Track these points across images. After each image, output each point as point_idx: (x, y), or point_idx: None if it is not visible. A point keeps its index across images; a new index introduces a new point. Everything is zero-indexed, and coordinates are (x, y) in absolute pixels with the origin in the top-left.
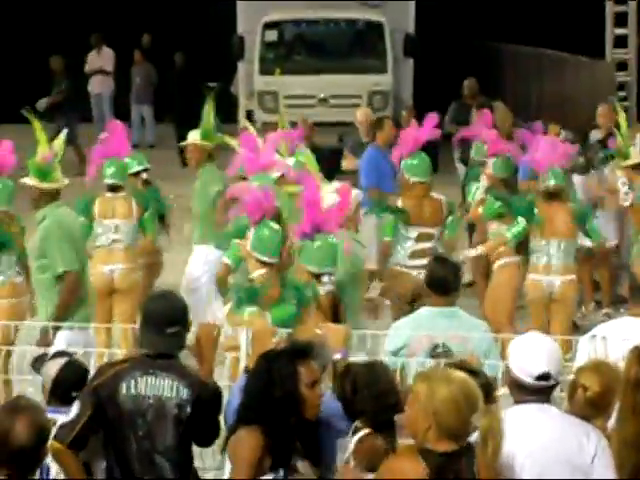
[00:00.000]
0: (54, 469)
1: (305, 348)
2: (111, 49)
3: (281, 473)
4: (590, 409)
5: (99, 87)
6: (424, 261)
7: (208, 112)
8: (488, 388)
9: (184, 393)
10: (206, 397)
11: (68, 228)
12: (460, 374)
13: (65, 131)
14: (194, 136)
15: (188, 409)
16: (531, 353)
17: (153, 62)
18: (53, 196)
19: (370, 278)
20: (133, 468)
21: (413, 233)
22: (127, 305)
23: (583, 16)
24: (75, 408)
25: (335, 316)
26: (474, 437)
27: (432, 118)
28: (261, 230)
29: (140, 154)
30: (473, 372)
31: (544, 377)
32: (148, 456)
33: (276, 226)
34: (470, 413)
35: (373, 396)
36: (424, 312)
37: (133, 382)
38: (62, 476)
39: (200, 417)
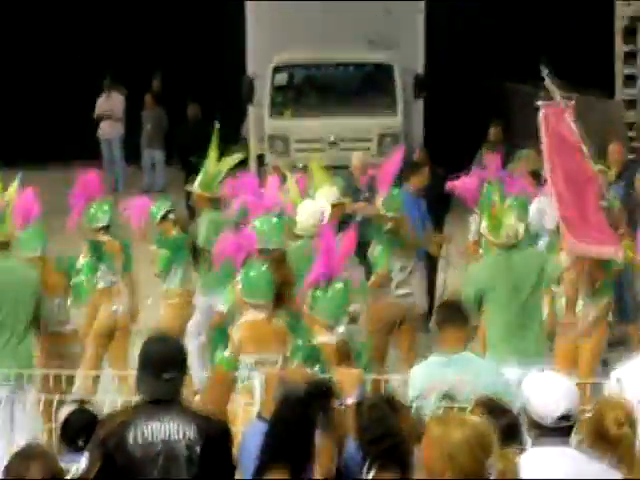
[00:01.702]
0: None
1: (327, 389)
2: (121, 92)
3: None
4: (611, 445)
5: (108, 133)
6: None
7: (210, 160)
8: (514, 427)
9: (191, 433)
10: (214, 434)
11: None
12: (474, 418)
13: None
14: (195, 184)
15: (198, 449)
16: (552, 393)
17: (164, 106)
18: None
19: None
20: None
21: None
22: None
23: (593, 55)
24: (84, 461)
25: (346, 363)
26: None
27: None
28: (247, 273)
29: (162, 199)
30: (500, 411)
31: (565, 417)
32: None
33: (262, 267)
34: (485, 456)
35: (370, 439)
36: (435, 359)
37: (140, 430)
38: None
39: (211, 455)
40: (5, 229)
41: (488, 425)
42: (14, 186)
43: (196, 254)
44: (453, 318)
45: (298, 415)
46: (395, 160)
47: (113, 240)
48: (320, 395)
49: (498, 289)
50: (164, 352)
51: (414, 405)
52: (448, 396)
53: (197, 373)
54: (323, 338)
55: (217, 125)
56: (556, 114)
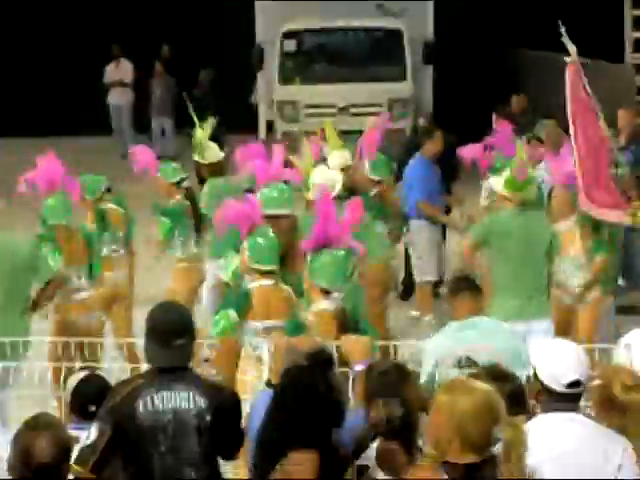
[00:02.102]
0: None
1: (329, 357)
2: (130, 61)
3: None
4: (619, 412)
5: (118, 99)
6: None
7: (197, 129)
8: (519, 394)
9: (201, 402)
10: (224, 403)
11: None
12: (482, 385)
13: None
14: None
15: (208, 417)
16: (562, 360)
17: (172, 73)
18: None
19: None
20: None
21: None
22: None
23: (602, 20)
24: (93, 430)
25: (343, 332)
26: (497, 449)
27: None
28: (254, 240)
29: (170, 165)
30: (503, 377)
31: (574, 384)
32: (174, 470)
33: (269, 233)
34: (492, 425)
35: (380, 405)
36: (450, 327)
37: (149, 399)
38: None
39: (221, 424)
40: None
41: (496, 392)
42: None
43: (199, 221)
44: (467, 287)
45: (302, 387)
46: (379, 126)
47: (116, 208)
48: (322, 366)
49: (512, 239)
50: (172, 320)
51: (430, 374)
52: (465, 361)
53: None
54: (321, 305)
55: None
56: (577, 73)
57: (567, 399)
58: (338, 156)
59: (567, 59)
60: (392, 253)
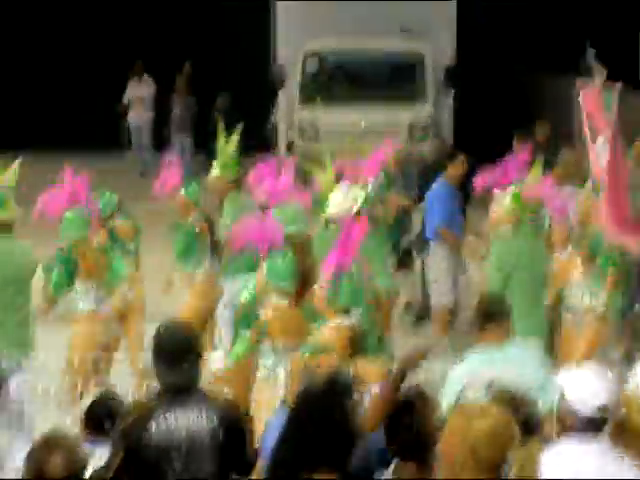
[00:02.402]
0: None
1: (347, 382)
2: (151, 78)
3: None
4: (636, 438)
5: (138, 118)
6: None
7: (223, 143)
8: (531, 421)
9: (213, 420)
10: (236, 420)
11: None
12: (496, 409)
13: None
14: (214, 170)
15: (221, 434)
16: (592, 384)
17: (192, 92)
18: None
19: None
20: None
21: None
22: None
23: (619, 47)
24: (107, 453)
25: (358, 349)
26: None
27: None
28: (273, 260)
29: (192, 183)
30: (519, 404)
31: (603, 409)
32: None
33: (288, 254)
34: (506, 448)
35: (396, 429)
36: (476, 356)
37: (162, 419)
38: None
39: (234, 441)
40: (6, 211)
41: (509, 416)
42: (15, 170)
43: (214, 240)
44: (493, 314)
45: (318, 411)
46: (383, 150)
47: (125, 222)
48: (339, 391)
49: (522, 269)
50: (178, 341)
51: (454, 398)
52: (494, 386)
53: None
54: (338, 319)
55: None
56: (595, 97)
57: (594, 423)
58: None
59: (579, 85)
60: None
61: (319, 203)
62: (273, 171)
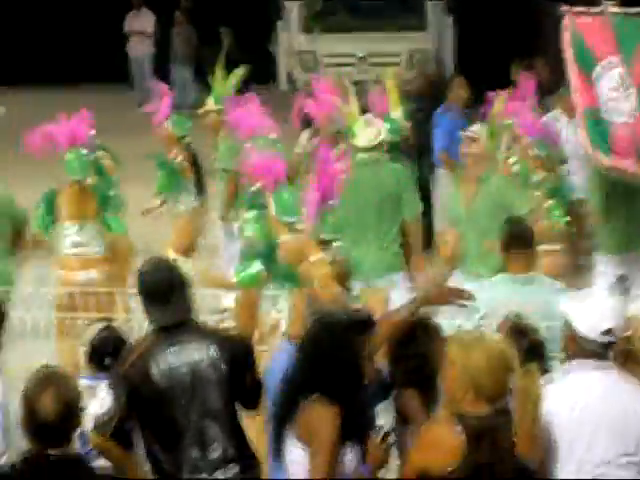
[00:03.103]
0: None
1: (370, 321)
2: (150, 10)
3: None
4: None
5: (138, 50)
6: None
7: (220, 77)
8: (538, 346)
9: (213, 352)
10: (237, 351)
11: None
12: (494, 337)
13: None
14: (209, 101)
15: (223, 366)
16: (599, 309)
17: (193, 23)
18: None
19: None
20: (181, 441)
21: None
22: None
23: None
24: (109, 398)
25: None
26: (511, 400)
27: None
28: (280, 194)
29: (182, 117)
30: (523, 331)
31: (609, 332)
32: (196, 425)
33: (293, 189)
34: (506, 376)
35: (394, 356)
36: (501, 279)
37: (161, 358)
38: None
39: (237, 372)
40: None
41: (508, 344)
42: None
43: (199, 175)
44: (522, 242)
45: (339, 343)
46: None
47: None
48: (363, 327)
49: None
50: (163, 277)
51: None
52: (516, 317)
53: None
54: (319, 255)
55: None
56: (598, 24)
57: (601, 347)
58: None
59: (563, 9)
60: None
61: (346, 135)
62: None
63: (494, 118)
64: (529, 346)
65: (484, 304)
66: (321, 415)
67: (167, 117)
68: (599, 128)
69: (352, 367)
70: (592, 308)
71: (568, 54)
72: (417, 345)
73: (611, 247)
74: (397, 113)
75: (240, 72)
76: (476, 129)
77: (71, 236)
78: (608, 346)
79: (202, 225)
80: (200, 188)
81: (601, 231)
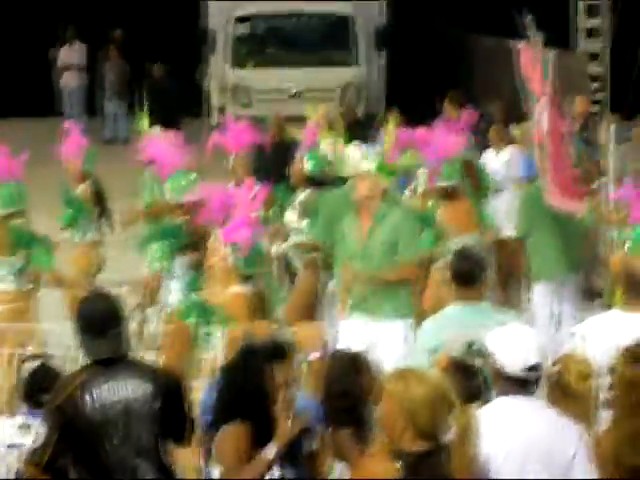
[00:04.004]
0: None
1: (283, 347)
2: (84, 44)
3: (276, 474)
4: (573, 400)
5: (72, 82)
6: None
7: (144, 117)
8: (483, 389)
9: (148, 389)
10: (171, 387)
11: None
12: (433, 373)
13: None
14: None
15: (157, 403)
16: (521, 344)
17: (126, 58)
18: None
19: None
20: (112, 477)
21: None
22: None
23: (550, 8)
24: (42, 430)
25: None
26: (449, 436)
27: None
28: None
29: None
30: (472, 372)
31: (534, 368)
32: (127, 462)
33: None
34: (444, 412)
35: (327, 395)
36: (452, 310)
37: (96, 392)
38: None
39: (170, 408)
40: None
41: (447, 382)
42: None
43: (103, 210)
44: (469, 270)
45: (243, 367)
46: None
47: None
48: (275, 352)
49: None
50: (104, 310)
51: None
52: (476, 346)
53: None
54: (236, 288)
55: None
56: (532, 58)
57: (526, 384)
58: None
59: (521, 44)
60: None
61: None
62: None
63: (384, 153)
64: (476, 387)
65: (439, 335)
66: (226, 435)
67: (75, 153)
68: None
69: (261, 392)
70: (516, 343)
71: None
72: (349, 383)
73: (544, 274)
74: (327, 145)
75: (144, 118)
76: (365, 167)
77: None
78: (533, 381)
79: (101, 258)
80: (106, 221)
81: (533, 260)
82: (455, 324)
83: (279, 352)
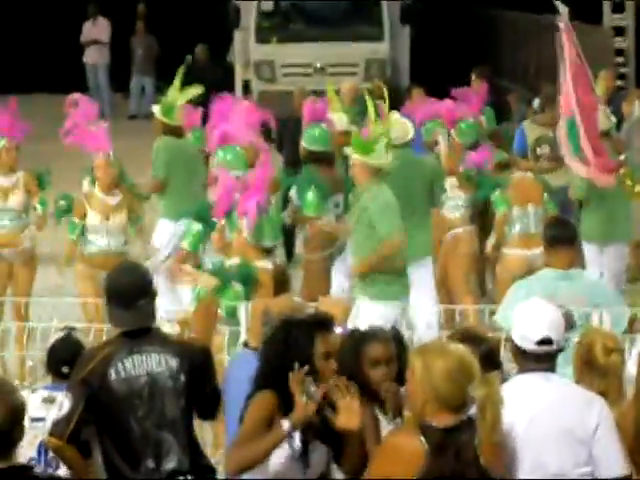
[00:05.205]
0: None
1: (325, 319)
2: (107, 19)
3: (297, 441)
4: (599, 374)
5: (94, 57)
6: None
7: (174, 88)
8: (492, 355)
9: (173, 363)
10: (197, 361)
11: None
12: (455, 346)
13: None
14: (157, 108)
15: (182, 377)
16: (532, 319)
17: (152, 31)
18: None
19: None
20: (137, 450)
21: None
22: None
23: None
24: (66, 402)
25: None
26: (474, 410)
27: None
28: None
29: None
30: (477, 340)
31: (545, 342)
32: (152, 435)
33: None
34: (467, 384)
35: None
36: (546, 273)
37: (121, 365)
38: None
39: (196, 383)
40: None
41: (469, 353)
42: None
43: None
44: (565, 237)
45: (285, 339)
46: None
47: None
48: (318, 324)
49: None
50: (134, 281)
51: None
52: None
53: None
54: (260, 263)
55: (189, 58)
56: (570, 35)
57: (540, 358)
58: (337, 119)
59: (559, 23)
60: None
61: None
62: (227, 112)
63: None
64: (484, 354)
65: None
66: (254, 401)
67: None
68: (573, 137)
69: (303, 363)
70: (529, 318)
71: (570, 54)
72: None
73: (593, 235)
74: (340, 118)
75: (195, 91)
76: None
77: None
78: (549, 355)
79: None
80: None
81: (585, 219)
82: (547, 289)
83: (324, 323)
